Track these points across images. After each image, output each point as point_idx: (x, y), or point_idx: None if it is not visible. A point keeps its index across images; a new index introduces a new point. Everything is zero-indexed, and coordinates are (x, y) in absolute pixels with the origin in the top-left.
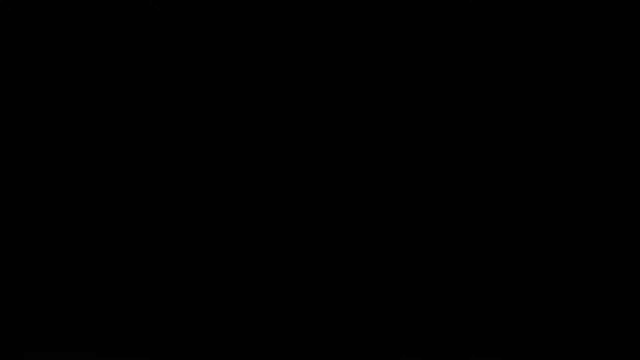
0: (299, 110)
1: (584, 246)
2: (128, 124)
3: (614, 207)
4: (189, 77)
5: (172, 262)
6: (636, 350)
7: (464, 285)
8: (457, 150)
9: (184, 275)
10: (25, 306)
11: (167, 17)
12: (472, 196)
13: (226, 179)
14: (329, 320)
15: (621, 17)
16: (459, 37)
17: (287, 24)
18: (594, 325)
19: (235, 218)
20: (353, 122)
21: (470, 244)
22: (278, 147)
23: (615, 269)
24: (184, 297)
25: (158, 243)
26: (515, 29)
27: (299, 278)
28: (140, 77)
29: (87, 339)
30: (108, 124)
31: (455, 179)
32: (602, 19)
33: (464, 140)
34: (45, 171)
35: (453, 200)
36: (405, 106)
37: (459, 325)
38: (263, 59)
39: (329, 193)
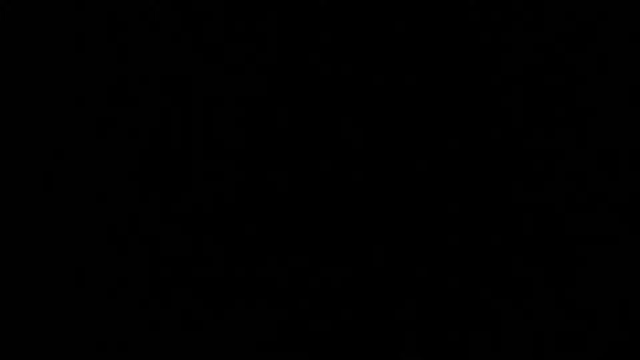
0: (299, 110)
1: (584, 246)
2: (128, 124)
3: (614, 207)
4: (189, 77)
5: (172, 262)
6: (636, 350)
7: (464, 284)
8: (457, 150)
9: (184, 275)
10: (25, 306)
11: (167, 17)
12: (472, 196)
13: (226, 179)
14: (329, 320)
15: (621, 17)
16: (459, 37)
17: (287, 24)
18: (594, 325)
19: (235, 218)
20: (353, 122)
21: (470, 244)
22: (278, 147)
23: (615, 269)
24: (184, 297)
25: (158, 243)
26: (515, 28)
27: (299, 278)
28: (140, 77)
29: (87, 339)
30: (108, 124)
31: (455, 179)
32: (602, 19)
33: (464, 140)
34: (45, 171)
35: (453, 200)
36: (406, 106)
37: (459, 325)
38: (263, 59)
39: (329, 193)
